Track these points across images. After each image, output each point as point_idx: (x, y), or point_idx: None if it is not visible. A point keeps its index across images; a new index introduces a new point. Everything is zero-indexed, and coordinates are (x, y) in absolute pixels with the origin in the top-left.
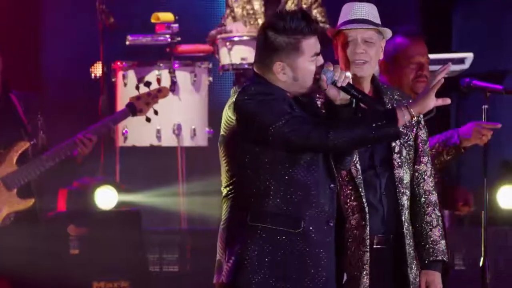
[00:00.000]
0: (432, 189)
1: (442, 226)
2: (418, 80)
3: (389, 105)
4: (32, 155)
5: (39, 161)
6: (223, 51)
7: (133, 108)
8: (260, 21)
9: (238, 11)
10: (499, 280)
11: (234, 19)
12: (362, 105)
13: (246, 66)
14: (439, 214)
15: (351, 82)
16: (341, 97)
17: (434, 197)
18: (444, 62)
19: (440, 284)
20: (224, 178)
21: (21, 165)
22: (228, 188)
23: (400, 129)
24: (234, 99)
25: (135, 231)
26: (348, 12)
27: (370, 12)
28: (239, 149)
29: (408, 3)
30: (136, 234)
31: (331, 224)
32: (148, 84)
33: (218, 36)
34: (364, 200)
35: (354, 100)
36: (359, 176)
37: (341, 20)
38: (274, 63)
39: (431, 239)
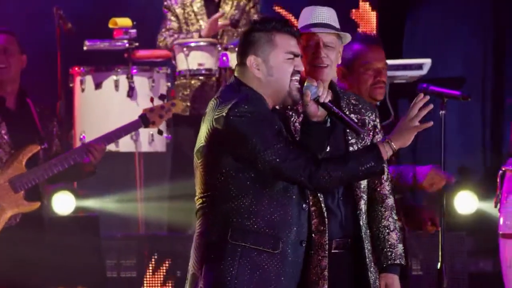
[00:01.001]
0: (389, 193)
1: (399, 230)
2: (376, 86)
3: (346, 109)
4: (43, 160)
5: (48, 165)
6: (179, 57)
7: (146, 120)
8: (202, 23)
9: (179, 12)
10: (456, 285)
11: (177, 21)
12: (343, 123)
13: (203, 72)
14: (396, 218)
15: (331, 100)
16: (319, 114)
17: (391, 201)
18: (402, 67)
19: (398, 287)
20: (199, 188)
21: (30, 168)
22: (202, 200)
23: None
24: (223, 113)
25: (92, 237)
26: (308, 15)
27: (331, 16)
28: (221, 163)
29: (363, 9)
30: (94, 239)
31: (303, 245)
32: (163, 97)
33: (175, 42)
34: (323, 205)
35: (328, 119)
36: None
37: (301, 23)
38: (248, 57)
39: (389, 243)
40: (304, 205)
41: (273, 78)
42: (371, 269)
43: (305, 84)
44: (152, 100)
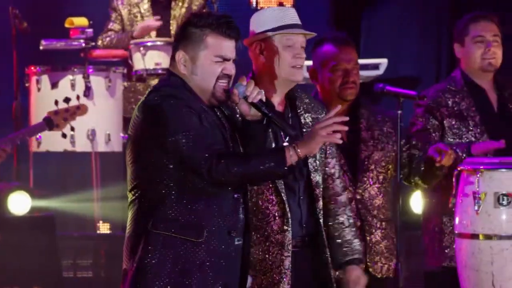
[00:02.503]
0: (341, 190)
1: (354, 225)
2: (345, 87)
3: (300, 108)
4: None
5: None
6: (136, 56)
7: (50, 123)
8: None
9: (124, 13)
10: (412, 284)
11: (121, 23)
12: (273, 124)
13: (160, 71)
14: (350, 214)
15: (264, 99)
16: (252, 113)
17: (344, 198)
18: (359, 67)
19: (365, 278)
20: (128, 181)
21: None
22: (132, 193)
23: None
24: (143, 99)
25: (48, 237)
26: (280, 17)
27: (298, 18)
28: (143, 151)
29: (320, 9)
30: (50, 239)
31: (233, 235)
32: (67, 100)
33: (132, 41)
34: (286, 205)
35: (263, 120)
36: (281, 181)
37: (270, 25)
38: (178, 51)
39: (346, 239)
40: (235, 195)
41: (197, 77)
42: (330, 265)
43: (235, 84)
44: (56, 103)
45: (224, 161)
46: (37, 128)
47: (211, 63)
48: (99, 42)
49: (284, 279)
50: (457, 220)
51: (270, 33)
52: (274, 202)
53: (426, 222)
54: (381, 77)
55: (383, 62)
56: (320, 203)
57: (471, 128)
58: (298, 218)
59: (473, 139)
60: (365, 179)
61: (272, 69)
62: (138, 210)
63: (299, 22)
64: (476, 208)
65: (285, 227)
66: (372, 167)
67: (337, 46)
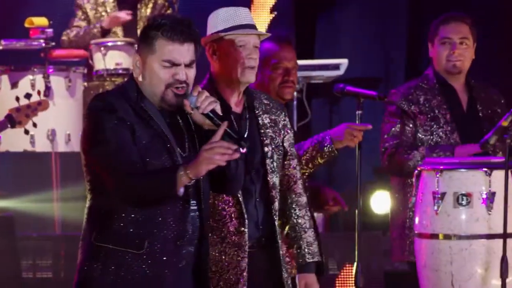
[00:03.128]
0: (302, 191)
1: (314, 227)
2: (284, 86)
3: (259, 109)
4: None
5: None
6: (97, 56)
7: (12, 120)
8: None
9: (90, 13)
10: (372, 284)
11: (87, 21)
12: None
13: (121, 72)
14: (310, 215)
15: (218, 108)
16: (207, 123)
17: (305, 199)
18: (318, 67)
19: (317, 285)
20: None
21: None
22: (87, 200)
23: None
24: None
25: (8, 237)
26: (231, 17)
27: (252, 18)
28: (85, 159)
29: (282, 10)
30: (9, 240)
31: (180, 244)
32: (28, 96)
33: (92, 41)
34: (243, 206)
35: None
36: None
37: (222, 25)
38: (134, 55)
39: (306, 241)
40: (183, 203)
41: (146, 82)
42: (284, 269)
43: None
44: (17, 99)
45: (127, 179)
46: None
47: (159, 68)
48: (64, 37)
49: (241, 280)
50: (416, 220)
51: (221, 34)
52: (230, 203)
53: (393, 218)
54: (342, 78)
55: (344, 62)
56: (276, 204)
57: (442, 125)
58: (255, 219)
59: (443, 136)
60: None
61: (226, 70)
62: (86, 220)
63: (251, 22)
64: (435, 208)
65: (242, 228)
66: None
67: (278, 44)
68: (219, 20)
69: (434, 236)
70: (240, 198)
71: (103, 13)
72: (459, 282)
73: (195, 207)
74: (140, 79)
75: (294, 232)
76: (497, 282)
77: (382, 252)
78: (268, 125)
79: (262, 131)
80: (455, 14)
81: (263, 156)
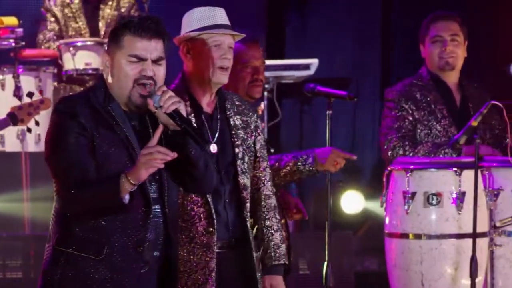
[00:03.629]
0: (271, 193)
1: (281, 230)
2: (254, 85)
3: (230, 110)
4: None
5: None
6: (66, 56)
7: (14, 118)
8: (81, 23)
9: (59, 14)
10: (342, 283)
11: (57, 22)
12: (187, 135)
13: (90, 71)
14: (279, 218)
15: (183, 109)
16: (172, 124)
17: (274, 201)
18: (289, 67)
19: (283, 287)
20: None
21: None
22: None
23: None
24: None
25: None
26: (207, 16)
27: (227, 18)
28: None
29: (253, 11)
30: None
31: (140, 249)
32: (30, 94)
33: (61, 41)
34: (212, 206)
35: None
36: None
37: (197, 24)
38: (103, 56)
39: (273, 243)
40: (144, 209)
41: (114, 79)
42: (258, 269)
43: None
44: (20, 98)
45: (74, 193)
46: (1, 124)
47: (126, 63)
48: (44, 45)
49: (209, 280)
50: (387, 219)
51: (196, 33)
52: (199, 204)
53: None
54: (312, 77)
55: (314, 62)
56: (248, 205)
57: (440, 120)
58: (225, 220)
59: (441, 130)
60: None
61: (199, 69)
62: (52, 223)
63: (227, 22)
64: (406, 207)
65: (211, 229)
66: None
67: (245, 44)
68: (194, 19)
69: (404, 235)
70: (209, 199)
71: (70, 14)
72: (429, 281)
73: (159, 212)
74: (109, 79)
75: (262, 234)
76: (467, 281)
77: (353, 252)
78: (240, 126)
79: (234, 132)
80: (444, 12)
81: (233, 157)
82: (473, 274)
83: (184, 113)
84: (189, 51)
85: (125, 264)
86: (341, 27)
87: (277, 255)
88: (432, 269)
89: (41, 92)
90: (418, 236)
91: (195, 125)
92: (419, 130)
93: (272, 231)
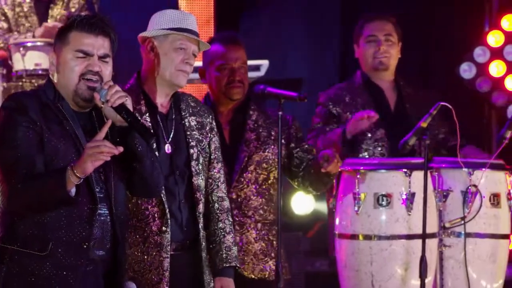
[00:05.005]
0: (225, 195)
1: (234, 232)
2: (231, 86)
3: (185, 111)
4: None
5: None
6: (16, 57)
7: None
8: (33, 22)
9: (9, 13)
10: (292, 284)
11: (7, 21)
12: (134, 129)
13: (40, 72)
14: (231, 220)
15: (129, 104)
16: (118, 119)
17: (227, 204)
18: None
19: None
20: None
21: None
22: None
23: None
24: None
25: None
26: (179, 19)
27: (196, 27)
28: None
29: (204, 10)
30: None
31: (85, 246)
32: None
33: (11, 42)
34: (166, 206)
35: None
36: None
37: (167, 25)
38: (51, 54)
39: (225, 245)
40: (91, 206)
41: (60, 75)
42: (206, 271)
43: (97, 88)
44: None
45: (19, 189)
46: None
47: (72, 58)
48: None
49: (163, 280)
50: (337, 220)
51: (166, 32)
52: (153, 203)
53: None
54: (262, 79)
55: (264, 63)
56: (201, 206)
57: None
58: (179, 221)
59: (369, 133)
60: (242, 179)
61: (159, 68)
62: None
63: (196, 30)
64: (356, 208)
65: (164, 228)
66: (252, 168)
67: (224, 45)
68: (165, 19)
69: (355, 236)
70: (163, 198)
71: (21, 14)
72: (379, 282)
73: (106, 211)
74: (55, 77)
75: (214, 236)
76: (417, 282)
77: (303, 252)
78: (195, 127)
79: (188, 133)
80: (378, 13)
81: (188, 158)
82: (422, 275)
83: (130, 108)
84: (153, 48)
85: (70, 260)
86: (292, 26)
87: (228, 257)
88: (382, 270)
89: None
90: (368, 237)
91: (142, 121)
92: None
93: (224, 233)
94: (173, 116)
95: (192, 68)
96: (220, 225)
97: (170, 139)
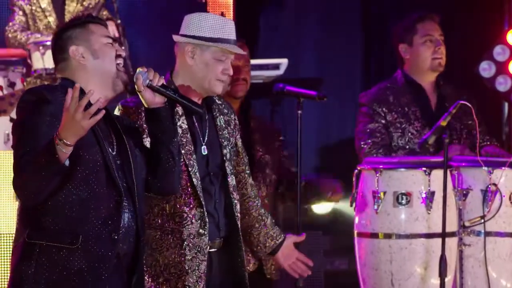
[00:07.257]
0: (254, 184)
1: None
2: (235, 84)
3: (216, 111)
4: None
5: None
6: (35, 56)
7: None
8: (51, 19)
9: (27, 9)
10: (312, 283)
11: (24, 15)
12: (181, 106)
13: None
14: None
15: (165, 83)
16: (156, 101)
17: (256, 191)
18: (258, 67)
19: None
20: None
21: None
22: (18, 200)
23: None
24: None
25: None
26: (220, 27)
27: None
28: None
29: (222, 9)
30: None
31: (116, 237)
32: (12, 84)
33: (30, 40)
34: (204, 209)
35: (167, 105)
36: (199, 185)
37: (209, 32)
38: (70, 49)
39: (271, 225)
40: (118, 198)
41: (99, 60)
42: (245, 266)
43: (137, 71)
44: (1, 88)
45: (24, 172)
46: None
47: (105, 44)
48: (11, 35)
49: (199, 283)
50: (356, 219)
51: (210, 43)
52: (191, 205)
53: None
54: (282, 77)
55: (284, 62)
56: (238, 206)
57: (413, 122)
58: (216, 221)
59: (414, 132)
60: (258, 180)
61: (198, 75)
62: (18, 220)
63: (235, 37)
64: (375, 207)
65: (202, 231)
66: (265, 168)
67: None
68: (207, 25)
69: (374, 235)
70: (201, 201)
71: (38, 9)
72: (399, 281)
73: (129, 205)
74: (89, 65)
75: (258, 222)
76: (436, 281)
77: (322, 251)
78: (224, 126)
79: (220, 133)
80: (426, 13)
81: (222, 159)
82: (442, 274)
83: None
84: (193, 55)
85: (101, 252)
86: (311, 26)
87: (280, 232)
88: (401, 269)
89: (22, 81)
90: (387, 236)
91: (180, 123)
92: (393, 133)
93: (266, 216)
94: (207, 116)
95: (229, 77)
96: (261, 211)
97: (205, 141)
